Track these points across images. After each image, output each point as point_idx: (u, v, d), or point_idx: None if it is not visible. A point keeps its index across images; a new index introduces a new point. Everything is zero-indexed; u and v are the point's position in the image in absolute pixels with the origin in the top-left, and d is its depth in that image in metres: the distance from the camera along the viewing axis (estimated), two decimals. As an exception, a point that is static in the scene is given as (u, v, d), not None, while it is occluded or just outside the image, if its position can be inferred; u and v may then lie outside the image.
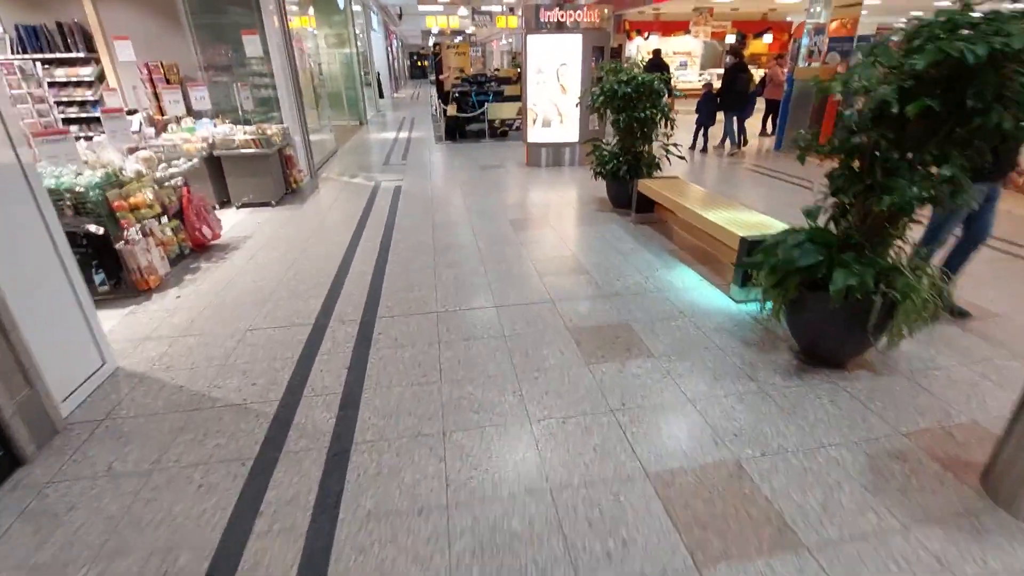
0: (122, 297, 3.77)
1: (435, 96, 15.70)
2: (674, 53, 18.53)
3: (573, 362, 2.97)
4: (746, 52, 18.84)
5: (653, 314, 3.49)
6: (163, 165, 4.68)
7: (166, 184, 4.48)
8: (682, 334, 3.24)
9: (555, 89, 7.88)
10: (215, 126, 6.25)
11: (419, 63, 41.74)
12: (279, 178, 6.52)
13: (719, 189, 6.75)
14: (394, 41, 31.65)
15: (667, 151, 5.53)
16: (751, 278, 3.30)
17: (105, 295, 3.70)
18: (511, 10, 24.66)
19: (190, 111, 6.63)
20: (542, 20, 7.57)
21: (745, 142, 9.67)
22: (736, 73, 8.83)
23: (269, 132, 6.28)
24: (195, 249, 4.72)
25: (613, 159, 5.70)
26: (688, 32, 16.08)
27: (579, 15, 7.57)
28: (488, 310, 3.66)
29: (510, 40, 38.63)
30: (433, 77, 16.91)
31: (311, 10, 13.06)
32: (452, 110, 11.15)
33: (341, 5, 12.08)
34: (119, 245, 3.71)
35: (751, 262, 3.00)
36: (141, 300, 3.79)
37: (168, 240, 4.25)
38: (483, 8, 24.93)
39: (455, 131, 11.33)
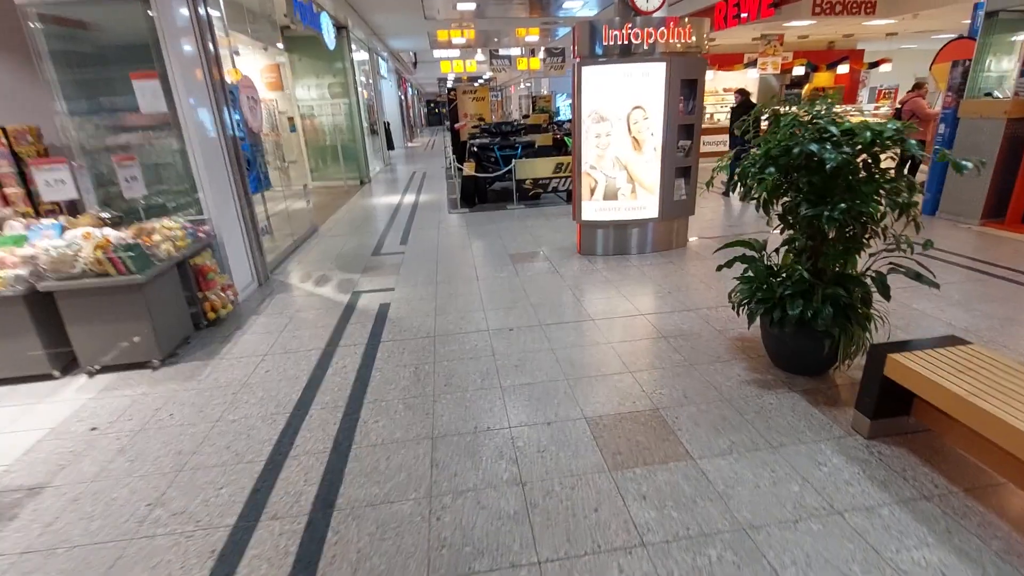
0: None
1: (449, 148, 13.34)
2: (724, 91, 16.03)
3: None
4: (809, 86, 16.26)
5: None
6: None
7: None
8: None
9: (623, 143, 5.23)
10: (61, 232, 3.64)
11: (435, 109, 41.04)
12: (176, 314, 3.85)
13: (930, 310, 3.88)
14: (408, 89, 30.17)
15: (912, 273, 2.70)
16: None
17: None
18: (532, 51, 22.82)
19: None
20: (603, 43, 4.99)
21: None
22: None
23: (158, 238, 3.67)
24: None
25: (782, 287, 2.91)
26: (746, 65, 13.58)
27: (660, 33, 4.96)
28: None
29: (528, 84, 37.18)
30: (449, 124, 14.70)
31: (281, 55, 10.92)
32: (470, 169, 8.62)
33: (331, 46, 9.84)
34: None
35: None
36: None
37: None
38: (501, 52, 23.11)
39: (474, 194, 8.77)
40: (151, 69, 4.18)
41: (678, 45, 5.05)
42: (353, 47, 13.07)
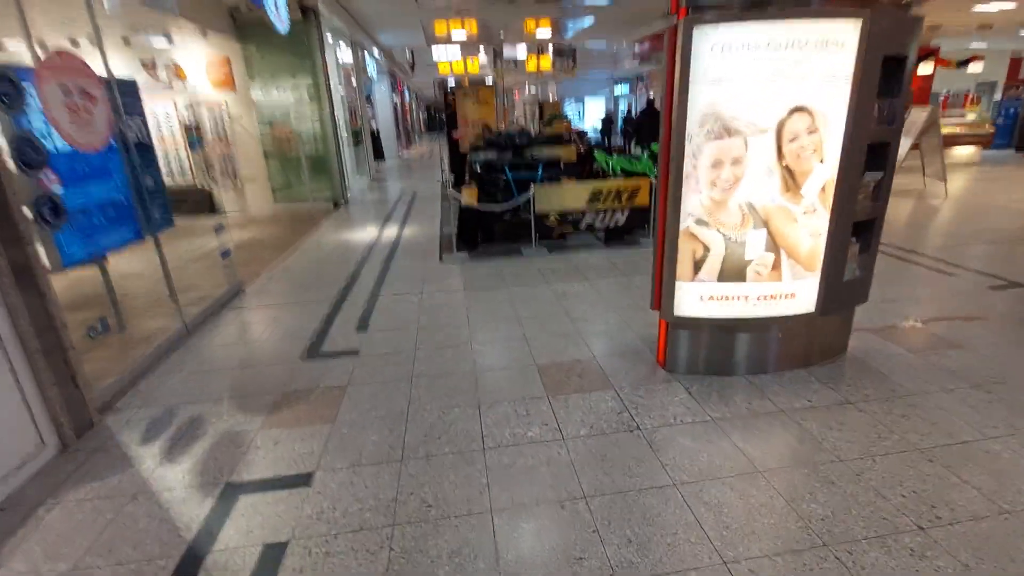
0: None
1: (446, 161, 10.87)
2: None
3: None
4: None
5: None
6: None
7: None
8: None
9: (766, 178, 2.70)
10: None
11: (436, 115, 38.98)
12: None
13: None
14: (405, 92, 27.79)
15: None
16: None
17: None
18: (540, 49, 20.44)
19: None
20: (736, -17, 2.51)
21: None
22: None
23: None
24: None
25: None
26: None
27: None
28: None
29: (534, 89, 34.86)
30: (446, 133, 12.23)
31: (231, 45, 8.41)
32: (471, 197, 6.12)
33: (282, 30, 7.35)
34: None
35: None
36: None
37: None
38: (505, 52, 20.69)
39: (476, 232, 6.26)
40: None
41: (879, -11, 2.56)
42: (329, 39, 10.63)
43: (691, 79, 2.60)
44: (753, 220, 2.79)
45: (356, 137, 13.31)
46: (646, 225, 6.35)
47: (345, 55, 12.63)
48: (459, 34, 15.49)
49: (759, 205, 2.77)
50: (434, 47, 20.08)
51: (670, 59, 2.70)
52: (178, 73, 8.96)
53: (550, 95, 31.48)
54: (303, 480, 2.38)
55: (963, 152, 11.95)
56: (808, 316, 3.01)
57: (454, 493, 2.24)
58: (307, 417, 2.89)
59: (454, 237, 6.26)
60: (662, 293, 3.04)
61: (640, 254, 5.86)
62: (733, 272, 2.90)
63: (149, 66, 8.99)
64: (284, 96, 9.42)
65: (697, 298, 2.97)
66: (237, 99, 9.24)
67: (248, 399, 3.12)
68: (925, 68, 11.17)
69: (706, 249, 2.87)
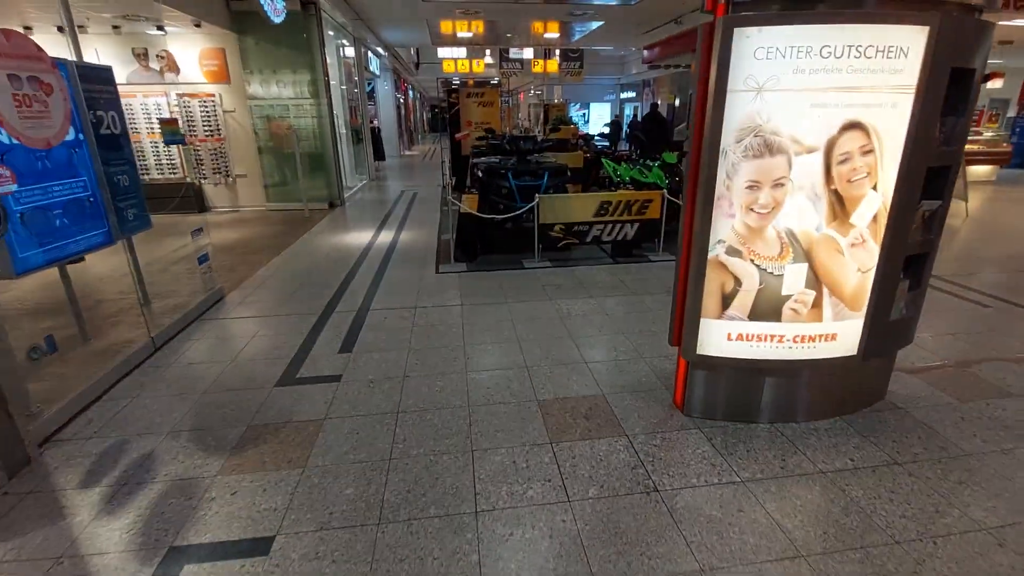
0: None
1: (447, 164, 10.51)
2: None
3: None
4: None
5: None
6: None
7: None
8: None
9: (811, 203, 2.35)
10: None
11: (440, 115, 38.61)
12: None
13: None
14: (409, 91, 27.46)
15: None
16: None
17: None
18: (546, 52, 20.13)
19: None
20: (786, -23, 2.15)
21: None
22: None
23: None
24: None
25: None
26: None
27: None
28: None
29: (539, 91, 34.57)
30: (449, 134, 11.86)
31: (225, 35, 8.02)
32: (471, 205, 5.76)
33: (275, 19, 7.00)
34: None
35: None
36: None
37: None
38: (512, 54, 20.39)
39: (476, 242, 5.90)
40: None
41: (949, -12, 2.21)
42: (330, 33, 10.29)
43: (729, 86, 2.25)
44: (793, 251, 2.43)
45: (356, 135, 12.96)
46: (656, 239, 5.99)
47: (347, 51, 12.28)
48: (466, 35, 15.17)
49: (801, 234, 2.41)
50: (440, 49, 19.78)
51: (704, 62, 2.34)
52: (170, 64, 8.60)
53: (555, 98, 31.17)
54: (260, 547, 2.01)
55: (980, 170, 11.61)
56: (847, 358, 2.65)
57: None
58: (273, 460, 2.52)
59: (452, 246, 5.89)
60: (683, 329, 2.67)
61: (649, 271, 5.50)
62: (767, 309, 2.53)
63: (141, 56, 8.64)
64: (281, 90, 9.06)
65: (724, 337, 2.61)
66: (231, 92, 8.88)
67: (210, 433, 2.75)
68: (995, 83, 10.84)
69: (737, 282, 2.51)
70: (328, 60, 9.99)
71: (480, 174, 6.22)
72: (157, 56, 8.61)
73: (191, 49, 8.61)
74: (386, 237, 7.16)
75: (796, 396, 2.80)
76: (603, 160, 7.72)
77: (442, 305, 4.57)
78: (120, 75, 8.96)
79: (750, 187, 2.35)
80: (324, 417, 2.88)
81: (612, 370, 3.37)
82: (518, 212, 5.62)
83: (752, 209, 2.38)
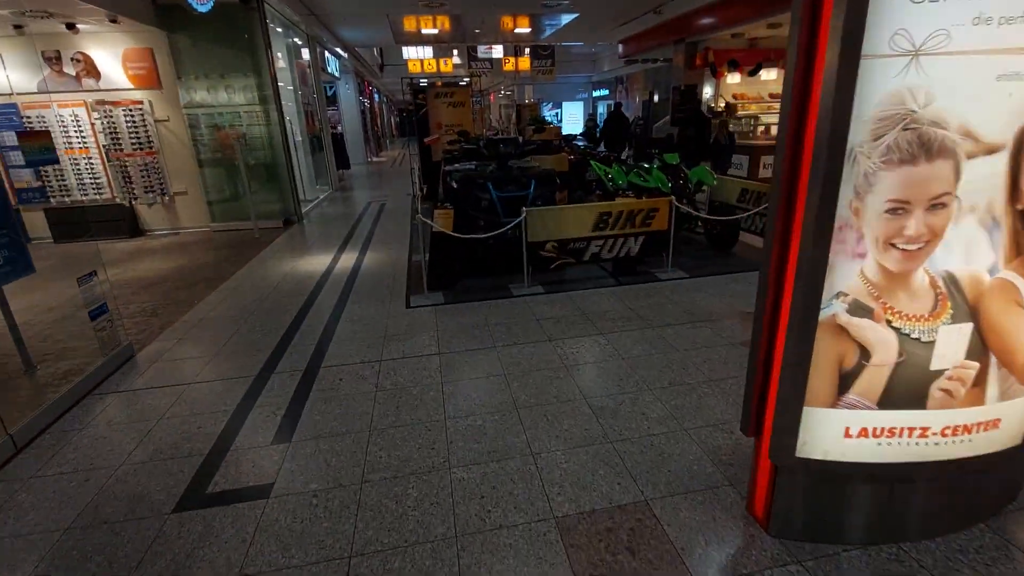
0: None
1: (417, 172, 9.52)
2: (770, 96, 12.65)
3: None
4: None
5: None
6: None
7: None
8: None
9: (991, 234, 1.49)
10: None
11: (409, 118, 37.51)
12: None
13: None
14: (374, 95, 26.29)
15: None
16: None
17: None
18: (517, 50, 19.28)
19: None
20: None
21: None
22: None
23: None
24: None
25: None
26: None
27: None
28: None
29: (510, 91, 33.74)
30: (417, 138, 10.85)
31: (153, 34, 6.88)
32: (445, 222, 4.80)
33: (200, 8, 5.92)
34: None
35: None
36: None
37: None
38: (480, 53, 19.54)
39: (453, 268, 4.96)
40: None
41: None
42: (278, 30, 9.21)
43: (864, 49, 1.36)
44: (953, 306, 1.57)
45: (317, 143, 11.86)
46: (664, 253, 5.15)
47: (304, 53, 11.19)
48: (431, 32, 14.20)
49: (967, 280, 1.55)
50: (405, 48, 18.76)
51: (807, 15, 1.46)
52: (88, 68, 7.42)
53: (527, 98, 30.39)
54: None
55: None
56: (1013, 451, 1.81)
57: None
58: None
59: (425, 271, 4.93)
60: (775, 423, 1.78)
61: (661, 293, 4.64)
62: (907, 392, 1.67)
63: (53, 60, 7.43)
64: (223, 96, 7.95)
65: (840, 432, 1.73)
66: (163, 99, 7.73)
67: (51, 623, 1.75)
68: None
69: (864, 354, 1.63)
70: (277, 61, 8.92)
71: (455, 185, 5.28)
72: (72, 59, 7.41)
73: (113, 50, 7.45)
74: (348, 260, 6.15)
75: (935, 505, 1.94)
76: (592, 162, 6.86)
77: (414, 355, 3.61)
78: (29, 83, 7.84)
79: (894, 210, 1.48)
80: (238, 573, 1.91)
81: (649, 453, 2.48)
82: (502, 230, 4.70)
83: (895, 244, 1.51)
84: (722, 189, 6.08)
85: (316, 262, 6.12)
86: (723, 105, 11.97)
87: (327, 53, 13.52)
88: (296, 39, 10.88)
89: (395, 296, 4.85)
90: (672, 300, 4.47)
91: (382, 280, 5.34)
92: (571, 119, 29.51)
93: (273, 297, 4.95)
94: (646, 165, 6.07)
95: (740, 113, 11.98)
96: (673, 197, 4.98)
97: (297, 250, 6.83)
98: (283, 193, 8.54)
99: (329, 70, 13.80)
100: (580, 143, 11.51)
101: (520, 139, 6.98)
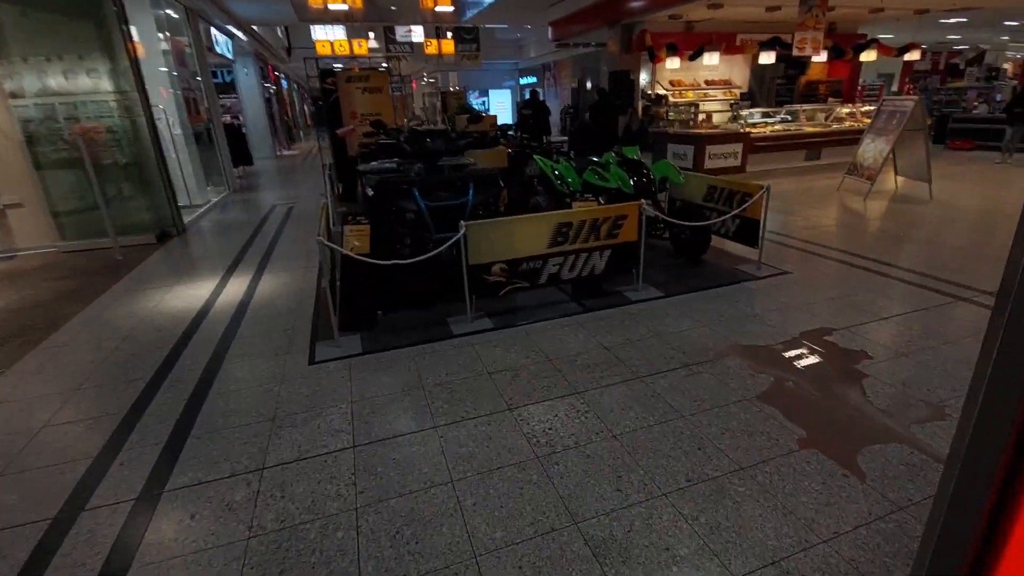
0: None
1: (331, 171, 8.10)
2: (706, 83, 12.24)
3: None
4: (803, 79, 12.99)
5: None
6: None
7: None
8: None
9: None
10: None
11: (322, 105, 34.78)
12: None
13: None
14: (282, 81, 23.83)
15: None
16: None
17: None
18: (438, 32, 17.91)
19: None
20: None
21: None
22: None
23: None
24: None
25: None
26: (764, 46, 9.77)
27: None
28: None
29: (433, 78, 32.10)
30: (329, 130, 9.35)
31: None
32: (360, 242, 3.61)
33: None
34: None
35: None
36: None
37: None
38: (399, 36, 18.05)
39: (370, 302, 3.79)
40: None
41: None
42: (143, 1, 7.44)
43: None
44: None
45: (206, 136, 10.03)
46: (634, 269, 4.26)
47: (175, 26, 9.31)
48: (339, 7, 12.58)
49: None
50: (313, 27, 16.86)
51: None
52: None
53: (451, 85, 28.95)
54: None
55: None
56: None
57: None
58: None
59: (335, 310, 3.72)
60: None
61: (638, 321, 3.74)
62: None
63: None
64: (64, 81, 6.17)
65: None
66: (-27, 83, 5.85)
67: None
68: (869, 55, 10.27)
69: None
70: (138, 36, 7.18)
71: (374, 192, 4.07)
72: None
73: None
74: (237, 288, 4.79)
75: None
76: (535, 157, 5.86)
77: (316, 453, 2.46)
78: None
79: None
80: None
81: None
82: (434, 252, 3.59)
83: None
84: (686, 187, 5.31)
85: (192, 294, 4.71)
86: (654, 96, 11.41)
87: (215, 31, 11.56)
88: (171, 11, 9.02)
89: (295, 344, 3.62)
90: (653, 332, 3.58)
91: (279, 318, 4.08)
92: (499, 107, 28.40)
93: (115, 358, 3.55)
94: (599, 160, 5.17)
95: (677, 101, 11.47)
96: (643, 200, 4.09)
97: (170, 276, 5.32)
98: (155, 199, 6.88)
99: (218, 51, 11.84)
100: (512, 134, 10.51)
101: (451, 131, 5.84)
